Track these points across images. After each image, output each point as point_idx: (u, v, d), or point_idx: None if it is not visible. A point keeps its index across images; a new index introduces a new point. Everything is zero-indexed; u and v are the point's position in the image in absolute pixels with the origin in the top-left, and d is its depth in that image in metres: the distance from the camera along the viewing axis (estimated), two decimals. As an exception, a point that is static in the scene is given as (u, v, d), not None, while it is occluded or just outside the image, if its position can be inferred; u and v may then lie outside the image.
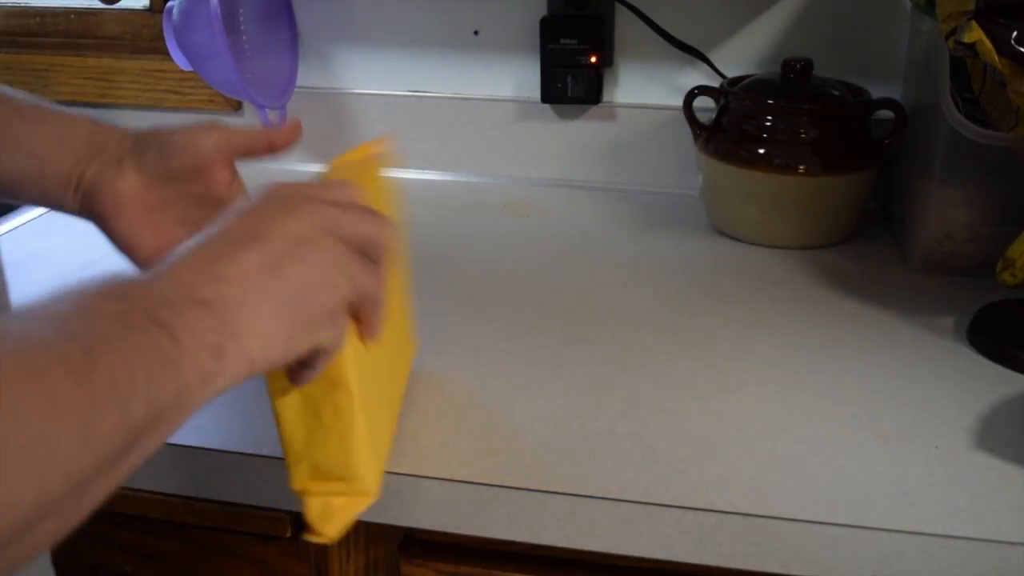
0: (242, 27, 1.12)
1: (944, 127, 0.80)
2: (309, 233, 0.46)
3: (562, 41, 1.06)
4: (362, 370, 0.54)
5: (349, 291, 0.48)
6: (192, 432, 0.66)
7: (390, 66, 1.16)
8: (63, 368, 0.34)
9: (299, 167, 1.20)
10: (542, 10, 1.08)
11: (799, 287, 0.87)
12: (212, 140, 0.61)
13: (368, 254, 0.49)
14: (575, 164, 1.14)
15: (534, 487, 0.60)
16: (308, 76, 1.17)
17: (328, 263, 0.46)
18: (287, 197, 0.47)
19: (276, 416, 0.54)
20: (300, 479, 0.55)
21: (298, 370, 0.50)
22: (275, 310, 0.43)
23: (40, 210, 1.05)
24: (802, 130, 0.93)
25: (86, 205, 0.60)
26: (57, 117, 0.61)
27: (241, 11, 1.12)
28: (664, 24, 1.06)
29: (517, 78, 1.13)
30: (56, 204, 0.61)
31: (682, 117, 1.01)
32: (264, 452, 0.64)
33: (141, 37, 1.23)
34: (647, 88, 1.11)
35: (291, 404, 0.53)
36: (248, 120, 1.19)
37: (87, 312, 0.37)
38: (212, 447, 0.65)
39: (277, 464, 0.64)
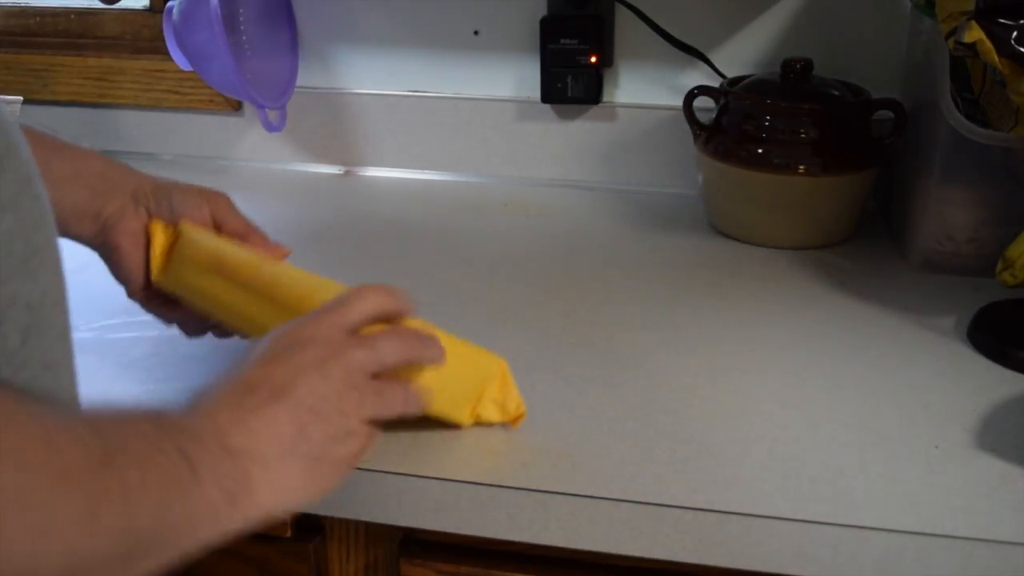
0: (242, 27, 1.12)
1: (944, 127, 0.80)
2: (335, 390, 0.50)
3: (562, 41, 1.06)
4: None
5: (367, 437, 0.53)
6: (192, 432, 0.66)
7: (390, 66, 1.16)
8: (82, 454, 0.38)
9: (300, 167, 1.20)
10: (542, 10, 1.08)
11: (799, 287, 0.87)
12: (210, 211, 0.67)
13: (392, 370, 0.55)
14: (575, 164, 1.14)
15: (534, 487, 0.60)
16: (308, 76, 1.17)
17: (349, 417, 0.51)
18: (312, 344, 0.51)
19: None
20: (465, 418, 0.63)
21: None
22: (295, 466, 0.48)
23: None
24: (802, 130, 0.93)
25: (101, 235, 0.66)
26: (74, 151, 0.66)
27: (241, 11, 1.12)
28: (664, 24, 1.06)
29: (517, 78, 1.13)
30: (62, 231, 0.65)
31: (682, 117, 1.01)
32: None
33: (141, 37, 1.23)
34: (647, 88, 1.11)
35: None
36: (248, 120, 1.19)
37: (122, 426, 0.42)
38: (212, 447, 0.65)
39: (277, 464, 0.64)
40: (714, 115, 0.99)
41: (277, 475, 0.47)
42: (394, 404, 0.54)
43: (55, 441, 0.37)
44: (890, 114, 0.94)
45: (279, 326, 0.54)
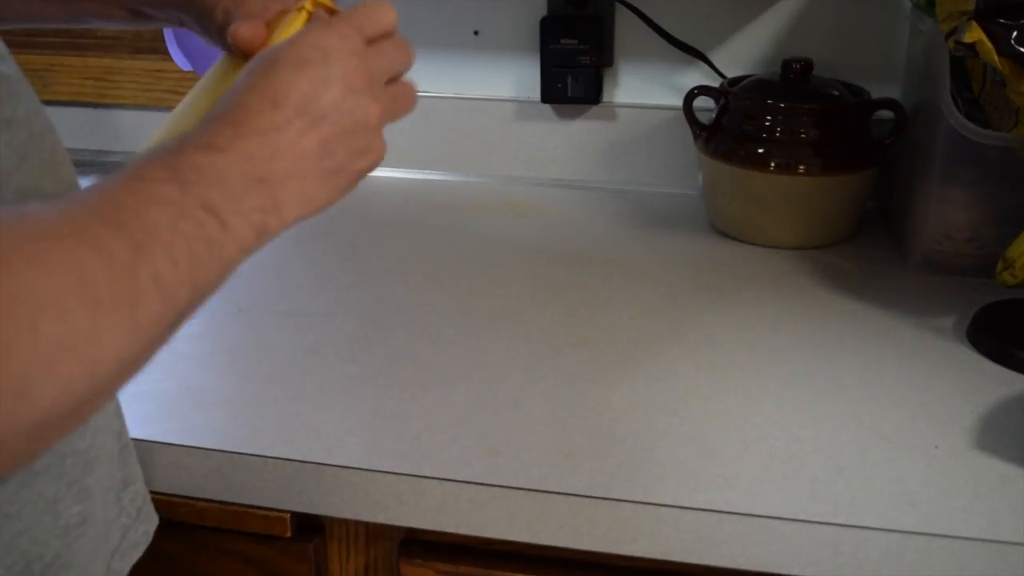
0: (242, 27, 1.12)
1: (944, 127, 0.80)
2: (359, 104, 0.49)
3: (562, 41, 1.06)
4: None
5: (383, 153, 0.53)
6: (193, 432, 0.66)
7: (390, 66, 1.15)
8: (109, 271, 0.37)
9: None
10: (542, 10, 1.08)
11: (799, 287, 0.87)
12: None
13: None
14: (575, 164, 1.14)
15: (534, 487, 0.60)
16: (308, 76, 1.17)
17: (370, 131, 0.51)
18: (334, 55, 0.49)
19: None
20: None
21: None
22: (318, 181, 0.48)
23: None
24: (802, 130, 0.93)
25: None
26: None
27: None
28: (664, 24, 1.06)
29: (517, 78, 1.13)
30: None
31: (682, 117, 1.01)
32: (264, 452, 0.64)
33: (141, 37, 1.23)
34: (647, 88, 1.11)
35: None
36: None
37: (142, 198, 0.40)
38: (212, 447, 0.65)
39: (277, 464, 0.64)
40: (714, 115, 0.99)
41: (301, 192, 0.47)
42: (406, 107, 0.55)
43: (81, 265, 0.36)
44: (890, 114, 0.94)
45: (291, 36, 0.50)
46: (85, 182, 0.45)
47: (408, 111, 0.55)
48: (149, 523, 0.58)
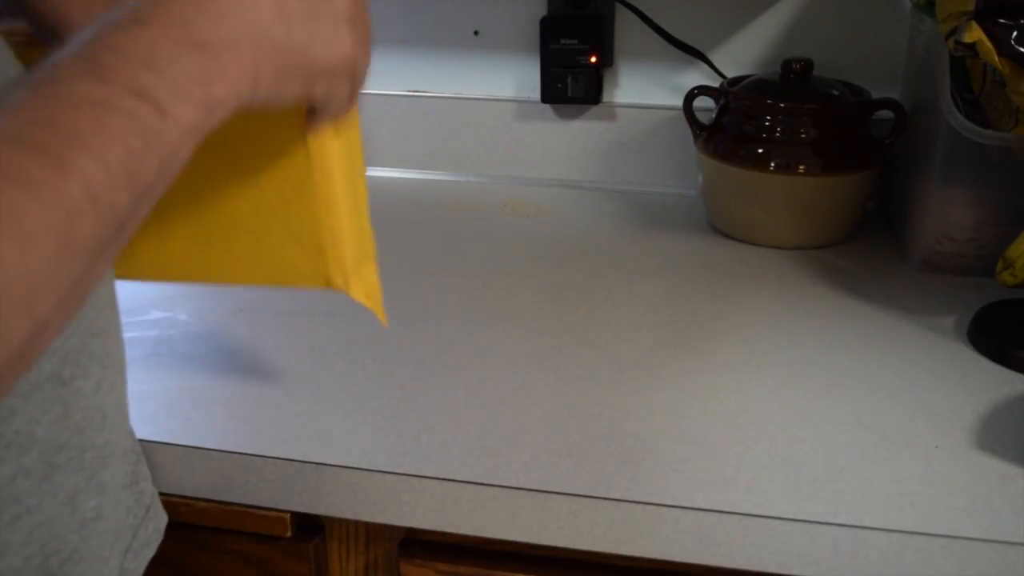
0: (242, 27, 1.12)
1: (944, 127, 0.80)
2: None
3: (562, 41, 1.07)
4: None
5: (350, 56, 0.46)
6: (192, 432, 0.66)
7: (390, 66, 1.16)
8: (34, 200, 0.32)
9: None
10: (542, 10, 1.08)
11: (799, 287, 0.87)
12: None
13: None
14: (575, 164, 1.14)
15: (534, 487, 0.60)
16: (308, 76, 1.17)
17: (340, 18, 0.45)
18: None
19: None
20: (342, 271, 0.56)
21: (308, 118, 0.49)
22: (272, 53, 0.41)
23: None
24: (802, 130, 0.93)
25: None
26: None
27: (241, 11, 1.12)
28: (664, 24, 1.06)
29: (517, 78, 1.13)
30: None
31: (682, 117, 1.01)
32: (264, 452, 0.64)
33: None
34: (647, 88, 1.11)
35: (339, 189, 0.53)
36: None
37: (58, 104, 0.34)
38: (212, 447, 0.65)
39: (277, 464, 0.64)
40: (714, 115, 0.99)
41: (250, 61, 0.40)
42: (368, 30, 0.49)
43: (4, 202, 0.31)
44: (890, 114, 0.94)
45: None
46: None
47: (369, 41, 0.49)
48: (159, 520, 0.58)
